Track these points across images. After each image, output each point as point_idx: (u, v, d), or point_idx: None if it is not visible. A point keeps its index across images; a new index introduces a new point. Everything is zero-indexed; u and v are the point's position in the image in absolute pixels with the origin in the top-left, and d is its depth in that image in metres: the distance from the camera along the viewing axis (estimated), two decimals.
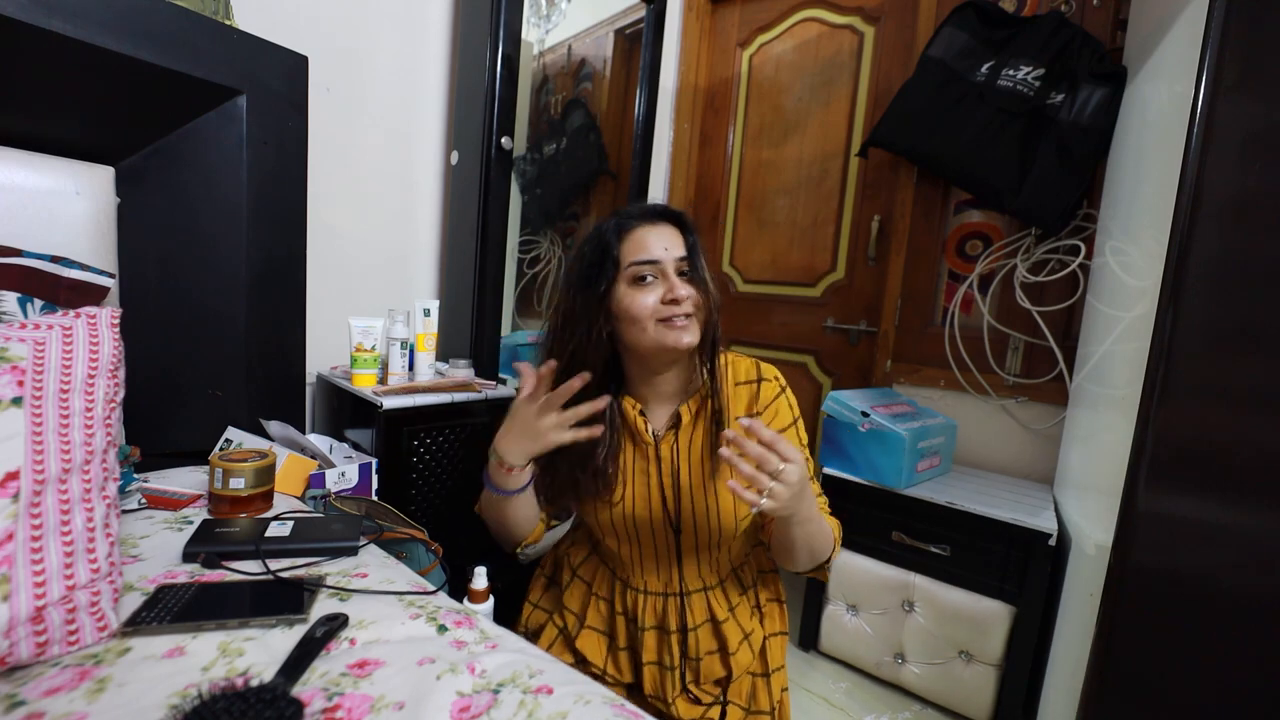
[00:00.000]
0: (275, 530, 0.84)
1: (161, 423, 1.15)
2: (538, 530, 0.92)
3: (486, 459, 0.86)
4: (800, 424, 0.89)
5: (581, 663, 0.92)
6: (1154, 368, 0.87)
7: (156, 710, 0.52)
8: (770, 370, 0.90)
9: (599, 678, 0.91)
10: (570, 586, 0.97)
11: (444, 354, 1.56)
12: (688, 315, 0.80)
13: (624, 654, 0.92)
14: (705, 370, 0.86)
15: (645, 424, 0.88)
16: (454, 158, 1.61)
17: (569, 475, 0.87)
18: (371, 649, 0.64)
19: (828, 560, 0.86)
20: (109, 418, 0.72)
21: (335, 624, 0.65)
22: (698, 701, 0.89)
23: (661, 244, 0.80)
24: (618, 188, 2.12)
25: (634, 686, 0.92)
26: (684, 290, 0.79)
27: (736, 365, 0.90)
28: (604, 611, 0.94)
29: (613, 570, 0.94)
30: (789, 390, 0.90)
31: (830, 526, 0.86)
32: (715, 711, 0.88)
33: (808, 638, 1.66)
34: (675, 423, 0.88)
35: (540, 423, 0.78)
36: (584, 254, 0.84)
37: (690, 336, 0.80)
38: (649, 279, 0.80)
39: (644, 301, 0.80)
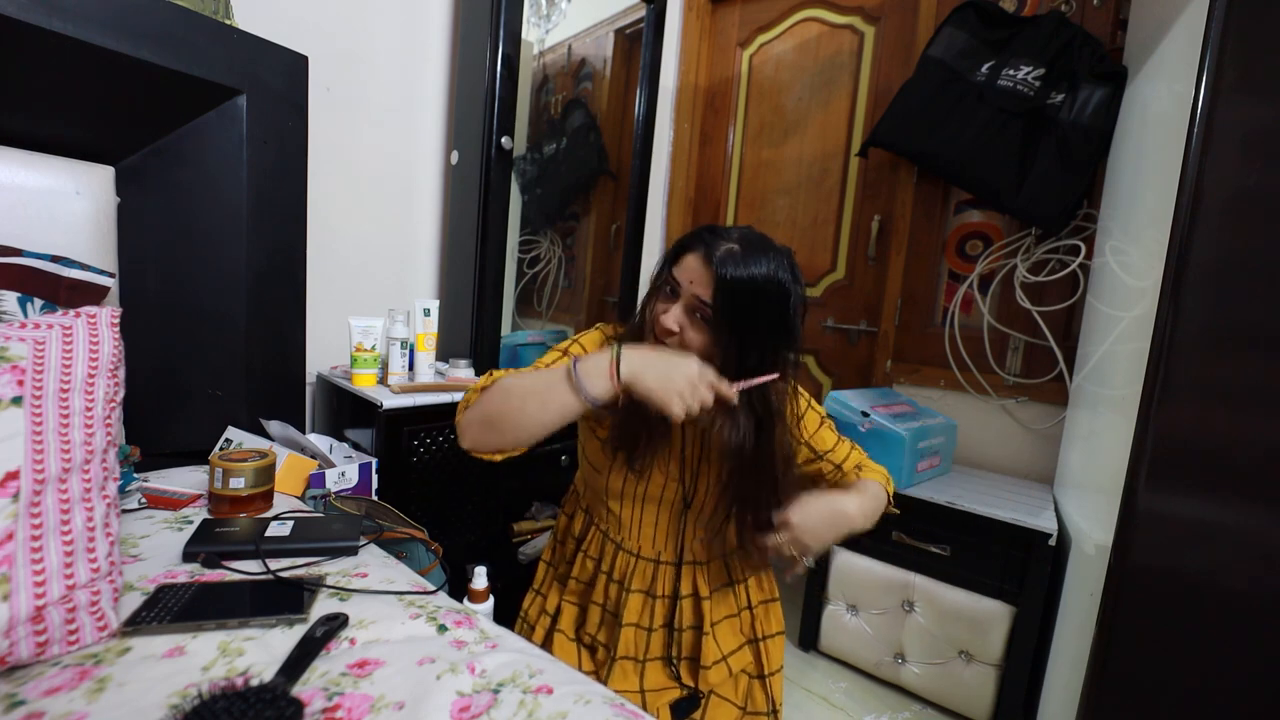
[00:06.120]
0: (275, 530, 0.84)
1: (161, 422, 1.15)
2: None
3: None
4: (829, 421, 0.95)
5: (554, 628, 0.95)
6: (1154, 368, 0.87)
7: (156, 710, 0.52)
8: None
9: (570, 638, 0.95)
10: (564, 545, 1.01)
11: (444, 354, 1.56)
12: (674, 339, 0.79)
13: (595, 609, 0.94)
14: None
15: None
16: (454, 158, 1.61)
17: (634, 427, 0.84)
18: (371, 649, 0.64)
19: (889, 502, 0.91)
20: (109, 417, 0.72)
21: (335, 624, 0.65)
22: (676, 677, 0.91)
23: (688, 278, 0.78)
24: (618, 188, 2.12)
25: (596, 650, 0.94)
26: (675, 324, 0.78)
27: None
28: (589, 569, 0.96)
29: (605, 533, 0.95)
30: (812, 400, 0.94)
31: (876, 481, 0.91)
32: (678, 694, 0.90)
33: (808, 637, 1.66)
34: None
35: (694, 376, 0.70)
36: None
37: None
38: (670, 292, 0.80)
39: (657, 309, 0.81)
